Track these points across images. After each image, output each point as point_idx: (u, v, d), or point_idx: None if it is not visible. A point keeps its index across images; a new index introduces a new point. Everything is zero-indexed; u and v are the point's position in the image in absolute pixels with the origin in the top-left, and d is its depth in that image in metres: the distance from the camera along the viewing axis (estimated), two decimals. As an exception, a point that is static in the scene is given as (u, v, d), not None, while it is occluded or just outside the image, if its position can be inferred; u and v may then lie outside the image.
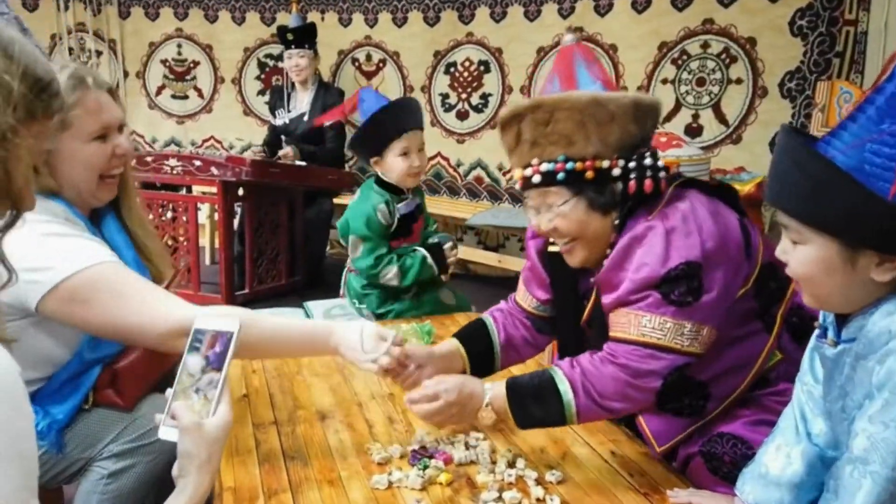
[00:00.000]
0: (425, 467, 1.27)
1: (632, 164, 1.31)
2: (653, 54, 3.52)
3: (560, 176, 1.31)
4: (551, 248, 1.51)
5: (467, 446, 1.36)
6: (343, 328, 1.34)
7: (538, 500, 1.20)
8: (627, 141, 1.30)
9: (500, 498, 1.19)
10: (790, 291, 1.31)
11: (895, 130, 0.87)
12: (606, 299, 1.33)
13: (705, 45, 3.35)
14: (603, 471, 1.31)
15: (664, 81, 3.51)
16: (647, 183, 1.30)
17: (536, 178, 1.34)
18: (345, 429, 1.44)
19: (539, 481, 1.25)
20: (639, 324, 1.25)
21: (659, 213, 1.30)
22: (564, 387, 1.28)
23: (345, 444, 1.38)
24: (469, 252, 4.00)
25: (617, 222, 1.35)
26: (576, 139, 1.31)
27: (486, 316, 1.64)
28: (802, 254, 0.98)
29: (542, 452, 1.37)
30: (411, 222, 2.24)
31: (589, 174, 1.30)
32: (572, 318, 1.51)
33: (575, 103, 1.31)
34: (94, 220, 1.42)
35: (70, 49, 4.51)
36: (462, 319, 2.10)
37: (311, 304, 2.22)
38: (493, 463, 1.31)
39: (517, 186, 1.43)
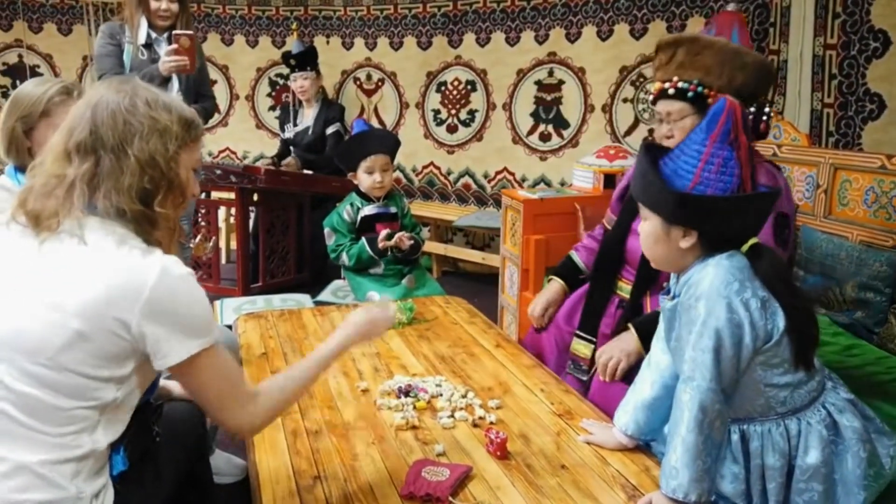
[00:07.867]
0: (407, 395, 1.70)
1: (752, 108, 1.72)
2: (615, 76, 3.85)
3: (690, 94, 1.72)
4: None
5: (437, 386, 1.77)
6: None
7: (480, 417, 1.62)
8: (744, 89, 1.71)
9: (451, 415, 1.63)
10: None
11: (695, 151, 1.30)
12: None
13: (661, 69, 3.75)
14: (532, 401, 1.73)
15: (624, 100, 3.85)
16: (763, 125, 1.74)
17: (671, 91, 1.74)
18: (340, 375, 1.88)
19: (483, 406, 1.67)
20: None
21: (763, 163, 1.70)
22: None
23: (340, 384, 1.82)
24: (457, 251, 4.39)
25: None
26: (712, 72, 1.70)
27: (574, 253, 2.19)
28: (644, 227, 1.38)
29: (490, 390, 1.79)
30: (374, 221, 2.79)
31: (710, 100, 1.69)
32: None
33: (723, 47, 1.71)
34: None
35: (99, 69, 4.95)
36: (440, 301, 2.55)
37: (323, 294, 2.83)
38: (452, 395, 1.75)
39: (651, 98, 1.82)
